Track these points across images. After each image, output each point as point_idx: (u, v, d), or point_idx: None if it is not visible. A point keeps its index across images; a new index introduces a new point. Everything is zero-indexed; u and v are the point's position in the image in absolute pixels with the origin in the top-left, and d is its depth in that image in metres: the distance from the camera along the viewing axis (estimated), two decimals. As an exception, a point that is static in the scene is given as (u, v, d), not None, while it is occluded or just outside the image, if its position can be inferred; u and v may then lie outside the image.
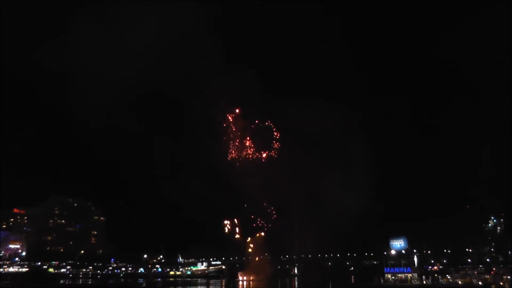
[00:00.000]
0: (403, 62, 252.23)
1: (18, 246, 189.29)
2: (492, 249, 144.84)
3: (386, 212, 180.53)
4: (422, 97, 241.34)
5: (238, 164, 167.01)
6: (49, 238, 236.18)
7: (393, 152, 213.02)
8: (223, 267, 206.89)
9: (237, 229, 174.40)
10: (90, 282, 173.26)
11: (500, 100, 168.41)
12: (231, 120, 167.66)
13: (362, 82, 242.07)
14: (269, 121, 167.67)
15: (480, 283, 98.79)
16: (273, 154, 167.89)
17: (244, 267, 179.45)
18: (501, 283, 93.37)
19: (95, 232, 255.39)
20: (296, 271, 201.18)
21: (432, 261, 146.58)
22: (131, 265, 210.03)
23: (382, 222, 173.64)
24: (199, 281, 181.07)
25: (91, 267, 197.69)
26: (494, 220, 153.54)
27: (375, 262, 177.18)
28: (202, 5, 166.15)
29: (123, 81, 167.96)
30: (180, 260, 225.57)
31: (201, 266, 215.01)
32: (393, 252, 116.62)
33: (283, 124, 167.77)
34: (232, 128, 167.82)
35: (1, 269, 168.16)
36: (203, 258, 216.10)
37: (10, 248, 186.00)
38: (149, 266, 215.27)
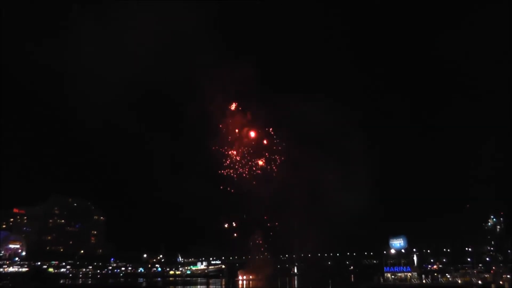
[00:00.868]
0: (403, 62, 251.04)
1: (18, 246, 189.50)
2: (491, 248, 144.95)
3: (385, 211, 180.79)
4: (423, 97, 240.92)
5: (237, 165, 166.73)
6: (49, 238, 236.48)
7: (393, 152, 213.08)
8: (223, 266, 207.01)
9: (236, 229, 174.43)
10: (90, 282, 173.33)
11: (500, 99, 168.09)
12: (229, 119, 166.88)
13: (362, 82, 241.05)
14: (267, 119, 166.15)
15: (479, 282, 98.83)
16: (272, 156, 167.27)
17: (244, 267, 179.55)
18: (501, 282, 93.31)
19: (95, 232, 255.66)
20: (296, 271, 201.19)
21: (432, 260, 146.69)
22: (130, 265, 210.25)
23: (382, 221, 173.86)
24: (199, 280, 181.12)
25: (91, 267, 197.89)
26: (494, 219, 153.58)
27: (374, 261, 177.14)
28: (199, 2, 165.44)
29: (123, 81, 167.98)
30: (180, 259, 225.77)
31: (201, 266, 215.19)
32: (392, 251, 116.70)
33: (283, 122, 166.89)
34: (230, 128, 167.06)
35: (1, 269, 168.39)
36: (202, 258, 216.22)
37: (10, 248, 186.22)
38: (149, 265, 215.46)
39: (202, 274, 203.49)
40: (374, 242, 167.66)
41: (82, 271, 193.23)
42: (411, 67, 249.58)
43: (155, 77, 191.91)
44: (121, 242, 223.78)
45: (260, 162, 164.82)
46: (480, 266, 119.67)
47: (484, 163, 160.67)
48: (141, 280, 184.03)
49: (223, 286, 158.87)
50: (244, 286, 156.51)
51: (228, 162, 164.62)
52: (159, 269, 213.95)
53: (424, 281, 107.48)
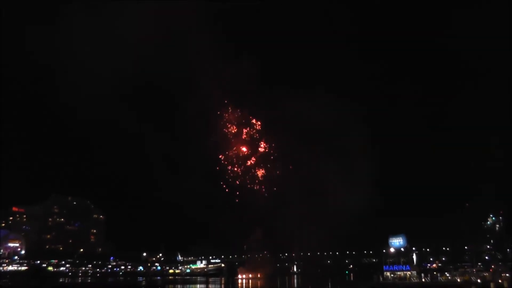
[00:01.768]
0: (407, 54, 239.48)
1: (18, 245, 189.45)
2: (491, 247, 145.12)
3: (385, 210, 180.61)
4: (426, 93, 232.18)
5: (235, 161, 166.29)
6: (49, 236, 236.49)
7: (394, 149, 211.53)
8: (222, 265, 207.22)
9: (235, 227, 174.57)
10: (89, 281, 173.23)
11: (503, 99, 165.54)
12: (226, 116, 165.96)
13: (363, 76, 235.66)
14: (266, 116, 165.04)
15: (479, 281, 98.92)
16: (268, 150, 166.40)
17: (244, 265, 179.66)
18: (500, 281, 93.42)
19: (95, 231, 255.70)
20: (295, 269, 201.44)
21: (431, 259, 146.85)
22: (130, 264, 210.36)
23: (382, 220, 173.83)
24: (198, 279, 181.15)
25: (90, 266, 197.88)
26: (493, 218, 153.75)
27: (374, 260, 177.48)
28: None
29: (123, 80, 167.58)
30: (179, 258, 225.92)
31: (201, 264, 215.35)
32: (392, 250, 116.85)
33: (281, 117, 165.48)
34: (228, 125, 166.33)
35: (1, 268, 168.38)
36: (202, 256, 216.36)
37: (10, 246, 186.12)
38: (148, 264, 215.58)
39: (202, 273, 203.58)
40: (373, 241, 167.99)
41: (81, 270, 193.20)
42: (416, 60, 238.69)
43: (155, 75, 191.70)
44: (120, 241, 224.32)
45: (260, 167, 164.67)
46: (479, 265, 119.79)
47: (484, 161, 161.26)
48: (140, 279, 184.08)
49: (223, 285, 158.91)
50: (244, 285, 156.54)
51: (226, 161, 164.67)
52: (159, 268, 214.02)
53: (423, 280, 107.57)
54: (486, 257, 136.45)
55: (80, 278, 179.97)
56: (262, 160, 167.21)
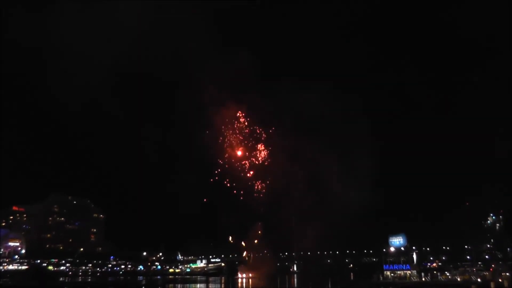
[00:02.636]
0: (410, 41, 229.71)
1: (18, 244, 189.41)
2: (491, 246, 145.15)
3: (385, 209, 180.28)
4: (429, 86, 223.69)
5: (233, 160, 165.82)
6: (49, 236, 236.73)
7: (393, 150, 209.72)
8: (223, 264, 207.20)
9: (235, 226, 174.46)
10: (89, 280, 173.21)
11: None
12: (224, 111, 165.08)
13: (364, 64, 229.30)
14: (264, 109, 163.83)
15: (479, 280, 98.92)
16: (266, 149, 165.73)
17: (244, 264, 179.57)
18: (500, 280, 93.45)
19: (95, 230, 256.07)
20: (295, 269, 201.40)
21: (431, 258, 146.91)
22: (130, 263, 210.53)
23: (382, 219, 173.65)
24: (198, 278, 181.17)
25: (90, 265, 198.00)
26: (493, 217, 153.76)
27: (374, 259, 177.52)
28: None
29: (122, 79, 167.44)
30: (180, 257, 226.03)
31: (201, 264, 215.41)
32: (392, 249, 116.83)
33: (280, 110, 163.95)
34: (226, 120, 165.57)
35: (1, 267, 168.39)
36: (202, 256, 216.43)
37: (10, 246, 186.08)
38: (149, 263, 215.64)
39: (202, 272, 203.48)
40: (373, 240, 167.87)
41: (81, 269, 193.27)
42: (419, 47, 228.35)
43: (154, 70, 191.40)
44: (120, 240, 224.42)
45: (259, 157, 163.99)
46: (480, 264, 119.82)
47: (484, 160, 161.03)
48: (140, 278, 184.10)
49: (223, 284, 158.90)
50: (244, 284, 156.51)
51: (225, 158, 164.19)
52: (159, 267, 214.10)
53: (423, 279, 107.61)
54: (486, 256, 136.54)
55: (80, 278, 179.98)
56: (262, 157, 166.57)
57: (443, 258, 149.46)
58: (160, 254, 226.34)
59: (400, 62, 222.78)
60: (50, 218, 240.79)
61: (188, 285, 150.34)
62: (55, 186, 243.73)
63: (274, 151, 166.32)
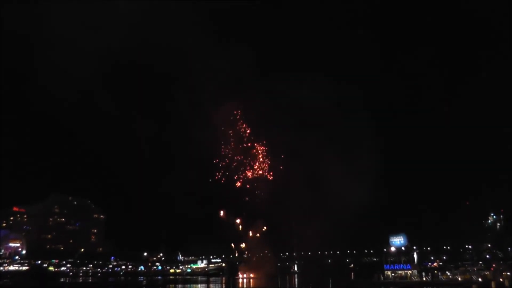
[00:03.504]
0: (414, 28, 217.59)
1: (18, 245, 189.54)
2: (491, 246, 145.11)
3: (385, 209, 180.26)
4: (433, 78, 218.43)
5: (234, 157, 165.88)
6: (49, 236, 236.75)
7: (393, 147, 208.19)
8: (223, 264, 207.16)
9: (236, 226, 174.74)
10: (90, 280, 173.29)
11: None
12: (222, 109, 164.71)
13: (366, 55, 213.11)
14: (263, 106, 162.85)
15: (479, 279, 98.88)
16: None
17: (245, 265, 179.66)
18: (501, 280, 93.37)
19: (95, 230, 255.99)
20: (296, 269, 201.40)
21: (432, 258, 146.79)
22: (131, 263, 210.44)
23: (382, 219, 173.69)
24: (199, 278, 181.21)
25: (91, 265, 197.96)
26: (494, 217, 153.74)
27: (374, 259, 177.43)
28: None
29: (122, 77, 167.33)
30: (180, 258, 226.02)
31: (201, 264, 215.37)
32: (392, 249, 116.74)
33: (280, 106, 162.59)
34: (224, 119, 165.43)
35: (1, 268, 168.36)
36: (203, 256, 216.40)
37: (10, 246, 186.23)
38: (149, 264, 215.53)
39: (203, 272, 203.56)
40: (374, 240, 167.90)
41: (82, 269, 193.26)
42: (424, 35, 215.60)
43: (152, 73, 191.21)
44: (121, 241, 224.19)
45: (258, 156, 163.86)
46: (480, 264, 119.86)
47: (485, 159, 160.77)
48: (141, 278, 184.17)
49: (224, 285, 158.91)
50: (245, 285, 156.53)
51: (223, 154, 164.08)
52: (160, 267, 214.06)
53: (424, 279, 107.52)
54: (487, 256, 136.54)
55: (81, 278, 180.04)
56: (262, 155, 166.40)
57: (444, 257, 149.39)
58: (161, 254, 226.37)
59: (403, 52, 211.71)
60: (51, 219, 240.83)
61: (188, 285, 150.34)
62: (55, 186, 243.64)
63: (273, 148, 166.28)
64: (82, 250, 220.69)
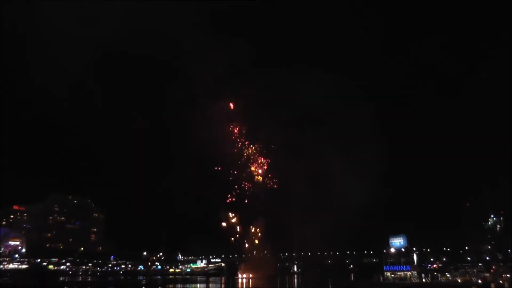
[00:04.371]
0: (419, 19, 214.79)
1: (18, 243, 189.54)
2: (491, 248, 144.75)
3: (385, 210, 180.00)
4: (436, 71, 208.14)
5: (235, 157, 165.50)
6: (49, 235, 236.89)
7: (393, 149, 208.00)
8: (223, 264, 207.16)
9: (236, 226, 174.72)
10: (89, 279, 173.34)
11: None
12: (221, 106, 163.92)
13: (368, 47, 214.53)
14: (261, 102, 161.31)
15: (479, 281, 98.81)
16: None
17: (245, 265, 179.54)
18: (501, 282, 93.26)
19: (95, 229, 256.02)
20: (295, 269, 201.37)
21: (432, 259, 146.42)
22: (130, 263, 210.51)
23: (382, 220, 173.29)
24: (198, 278, 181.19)
25: (90, 264, 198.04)
26: (494, 218, 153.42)
27: (374, 260, 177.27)
28: None
29: (122, 77, 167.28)
30: (180, 257, 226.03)
31: (201, 264, 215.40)
32: (392, 250, 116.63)
33: (280, 101, 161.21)
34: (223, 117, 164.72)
35: (1, 266, 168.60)
36: (202, 256, 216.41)
37: (10, 245, 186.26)
38: (149, 263, 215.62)
39: (202, 272, 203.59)
40: (374, 241, 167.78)
41: (82, 268, 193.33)
42: (430, 26, 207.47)
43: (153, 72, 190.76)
44: (120, 240, 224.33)
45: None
46: (480, 265, 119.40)
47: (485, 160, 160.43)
48: (140, 278, 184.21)
49: (223, 285, 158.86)
50: (244, 285, 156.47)
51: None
52: (159, 267, 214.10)
53: (424, 280, 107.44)
54: (487, 258, 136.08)
55: (80, 277, 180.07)
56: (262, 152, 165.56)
57: (444, 259, 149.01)
58: (161, 254, 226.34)
59: (408, 46, 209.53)
60: (51, 218, 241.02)
61: (188, 285, 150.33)
62: (55, 185, 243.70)
63: (273, 146, 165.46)
64: (82, 249, 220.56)
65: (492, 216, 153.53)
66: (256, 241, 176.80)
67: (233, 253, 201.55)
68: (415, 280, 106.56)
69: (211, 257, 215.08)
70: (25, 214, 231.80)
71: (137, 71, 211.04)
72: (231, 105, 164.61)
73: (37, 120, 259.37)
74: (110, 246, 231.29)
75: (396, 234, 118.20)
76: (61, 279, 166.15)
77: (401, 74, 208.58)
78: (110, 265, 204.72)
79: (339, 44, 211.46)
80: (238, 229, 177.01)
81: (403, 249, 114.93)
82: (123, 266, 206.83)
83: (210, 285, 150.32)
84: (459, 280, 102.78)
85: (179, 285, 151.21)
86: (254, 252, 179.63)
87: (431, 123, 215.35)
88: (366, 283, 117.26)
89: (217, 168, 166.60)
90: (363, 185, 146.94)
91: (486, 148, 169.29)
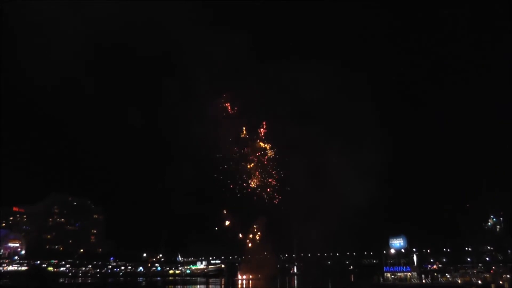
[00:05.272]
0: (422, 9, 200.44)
1: (18, 245, 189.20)
2: (491, 248, 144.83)
3: (386, 210, 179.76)
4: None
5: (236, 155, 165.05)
6: (49, 236, 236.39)
7: (394, 150, 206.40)
8: (223, 266, 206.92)
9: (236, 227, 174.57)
10: (89, 281, 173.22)
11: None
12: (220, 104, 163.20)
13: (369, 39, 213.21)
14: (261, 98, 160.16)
15: (479, 282, 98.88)
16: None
17: (244, 266, 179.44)
18: (501, 282, 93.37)
19: (95, 231, 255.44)
20: (295, 270, 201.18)
21: (432, 260, 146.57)
22: (130, 264, 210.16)
23: (382, 220, 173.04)
24: (198, 280, 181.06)
25: (90, 266, 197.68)
26: (494, 219, 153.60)
27: (374, 261, 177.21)
28: None
29: (122, 76, 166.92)
30: (180, 259, 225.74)
31: (201, 265, 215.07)
32: (392, 251, 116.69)
33: (280, 96, 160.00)
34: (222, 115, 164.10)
35: (1, 268, 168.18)
36: (202, 257, 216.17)
37: (10, 246, 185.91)
38: (149, 265, 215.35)
39: (202, 273, 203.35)
40: (374, 242, 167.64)
41: (81, 270, 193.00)
42: (434, 16, 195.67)
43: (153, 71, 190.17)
44: (120, 241, 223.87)
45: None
46: (480, 266, 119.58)
47: (486, 161, 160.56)
48: (140, 279, 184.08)
49: (223, 286, 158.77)
50: (244, 286, 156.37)
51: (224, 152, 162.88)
52: (159, 268, 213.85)
53: (424, 281, 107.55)
54: (487, 258, 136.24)
55: (80, 279, 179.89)
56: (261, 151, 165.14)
57: (444, 260, 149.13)
58: (160, 255, 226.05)
59: (412, 42, 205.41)
60: (50, 219, 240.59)
61: (188, 286, 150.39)
62: (55, 186, 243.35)
63: (272, 144, 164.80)
64: (82, 250, 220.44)
65: (492, 217, 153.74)
66: (257, 238, 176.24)
67: (233, 254, 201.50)
68: (415, 281, 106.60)
69: (211, 258, 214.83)
70: (25, 216, 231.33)
71: (137, 71, 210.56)
72: (232, 101, 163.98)
73: (37, 120, 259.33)
74: (110, 248, 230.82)
75: (396, 235, 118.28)
76: (60, 280, 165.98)
77: (401, 73, 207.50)
78: (110, 266, 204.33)
79: (340, 40, 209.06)
80: (238, 230, 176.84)
81: (403, 250, 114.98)
82: (122, 267, 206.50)
83: (210, 286, 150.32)
84: (459, 281, 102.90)
85: (178, 287, 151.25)
86: (254, 253, 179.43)
87: (431, 123, 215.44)
88: (366, 284, 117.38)
89: (217, 167, 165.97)
90: (364, 185, 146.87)
91: (486, 148, 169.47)
